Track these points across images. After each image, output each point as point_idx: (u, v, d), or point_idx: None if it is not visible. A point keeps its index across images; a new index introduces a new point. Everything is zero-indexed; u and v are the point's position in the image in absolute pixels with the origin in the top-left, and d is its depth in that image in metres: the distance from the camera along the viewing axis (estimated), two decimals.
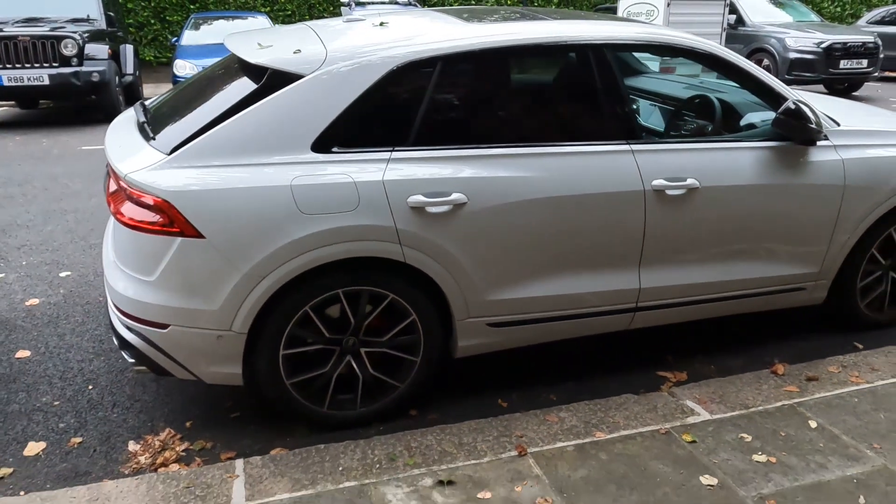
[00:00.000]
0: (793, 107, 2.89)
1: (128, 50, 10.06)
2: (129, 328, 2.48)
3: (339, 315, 2.57)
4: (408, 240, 2.47)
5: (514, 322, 2.77)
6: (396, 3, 12.35)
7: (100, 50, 8.63)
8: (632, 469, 2.31)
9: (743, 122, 3.22)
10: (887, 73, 13.45)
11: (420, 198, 2.46)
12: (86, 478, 2.42)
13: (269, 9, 14.21)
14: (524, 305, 2.74)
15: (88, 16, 9.32)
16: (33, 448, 2.57)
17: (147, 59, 13.39)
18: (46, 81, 8.19)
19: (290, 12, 14.48)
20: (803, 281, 3.21)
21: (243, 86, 2.59)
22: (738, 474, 2.28)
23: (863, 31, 11.88)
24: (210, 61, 9.17)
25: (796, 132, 2.92)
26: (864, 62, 11.09)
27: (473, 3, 14.88)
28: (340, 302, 2.52)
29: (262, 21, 10.70)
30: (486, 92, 2.82)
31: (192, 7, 13.52)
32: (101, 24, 9.38)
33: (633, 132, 2.80)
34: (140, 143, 2.55)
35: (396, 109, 2.55)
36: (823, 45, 10.91)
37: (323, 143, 2.43)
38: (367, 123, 2.50)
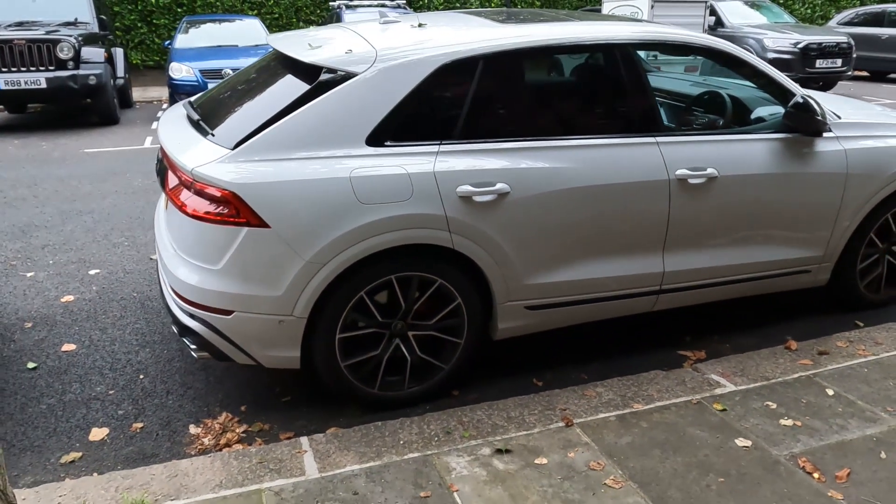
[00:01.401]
0: (801, 101, 3.12)
1: (118, 53, 10.07)
2: (191, 315, 2.61)
3: (389, 300, 2.72)
4: (456, 227, 2.63)
5: (549, 305, 2.94)
6: (384, 5, 12.47)
7: (95, 53, 8.64)
8: (671, 435, 2.50)
9: (753, 116, 3.44)
10: (858, 73, 13.95)
11: (468, 188, 2.62)
12: (153, 459, 2.53)
13: (256, 12, 14.25)
14: (559, 289, 2.91)
15: (81, 19, 9.31)
16: (97, 434, 2.68)
17: (134, 62, 13.34)
18: (43, 85, 8.19)
19: (277, 15, 14.54)
20: (809, 264, 3.44)
21: (296, 84, 2.73)
22: (768, 437, 2.48)
23: (836, 32, 12.33)
24: (207, 64, 9.26)
25: (805, 124, 3.14)
26: (839, 62, 11.52)
27: (459, 6, 15.07)
28: (392, 287, 2.68)
29: (254, 24, 10.76)
30: (525, 88, 2.99)
31: (179, 10, 13.51)
32: (94, 28, 9.37)
33: (657, 125, 2.99)
34: (198, 138, 2.67)
35: (443, 105, 2.71)
36: (800, 46, 11.31)
37: (376, 137, 2.59)
38: (417, 118, 2.65)
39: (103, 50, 8.80)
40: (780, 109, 3.29)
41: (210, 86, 9.13)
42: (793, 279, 3.47)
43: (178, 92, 9.21)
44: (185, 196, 2.54)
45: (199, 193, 2.48)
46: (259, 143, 2.50)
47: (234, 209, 2.44)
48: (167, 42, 10.57)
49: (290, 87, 2.75)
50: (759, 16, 13.27)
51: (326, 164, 2.51)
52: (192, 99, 3.18)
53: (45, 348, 3.30)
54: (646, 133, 2.95)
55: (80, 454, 2.56)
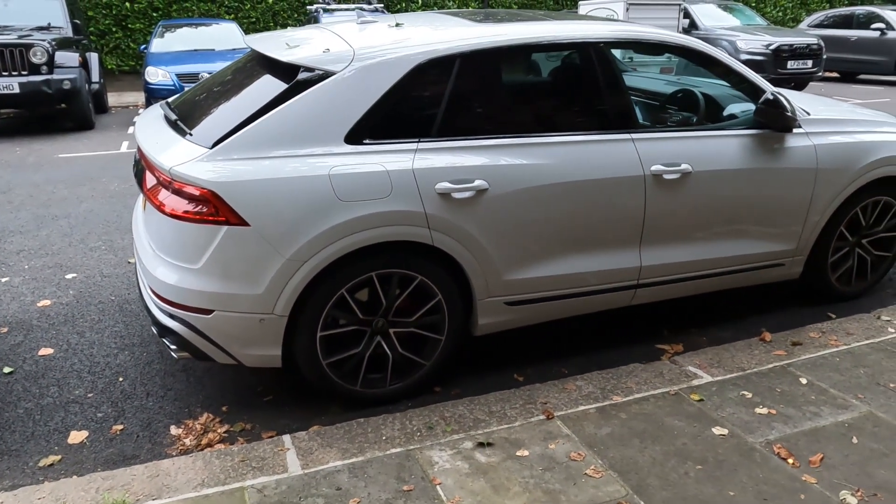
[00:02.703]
0: (771, 97, 3.19)
1: (93, 58, 9.96)
2: (171, 315, 2.60)
3: (369, 298, 2.73)
4: (435, 224, 2.66)
5: (529, 300, 2.98)
6: (362, 9, 12.48)
7: (70, 58, 8.54)
8: (650, 425, 2.54)
9: (726, 113, 3.51)
10: (828, 74, 14.24)
11: (446, 184, 2.65)
12: (134, 460, 2.52)
13: (233, 16, 14.17)
14: (538, 284, 2.95)
15: (54, 24, 9.20)
16: (76, 437, 2.65)
17: (109, 67, 13.19)
18: (17, 90, 8.07)
19: (254, 19, 14.47)
20: (782, 257, 3.52)
21: (274, 83, 2.73)
22: (744, 425, 2.53)
23: (807, 34, 12.59)
24: (183, 68, 9.20)
25: (775, 120, 3.22)
26: (809, 63, 11.77)
27: (435, 8, 15.13)
28: (372, 285, 2.69)
29: (231, 28, 10.71)
30: (502, 87, 3.03)
31: (154, 15, 13.40)
32: (68, 32, 9.26)
33: (632, 122, 3.05)
34: (176, 138, 2.67)
35: (421, 103, 2.73)
36: (772, 47, 11.53)
37: (355, 136, 2.60)
38: (395, 116, 2.67)
39: (77, 54, 8.69)
40: (751, 106, 3.37)
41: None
42: (767, 272, 3.54)
43: (154, 96, 9.12)
44: (164, 196, 2.53)
45: (178, 193, 2.48)
46: (237, 142, 2.50)
47: (212, 208, 2.44)
48: (143, 46, 10.47)
49: (267, 86, 2.76)
50: (732, 18, 13.52)
51: (305, 162, 2.52)
52: (170, 100, 3.17)
53: (21, 353, 3.26)
54: (621, 130, 3.00)
55: (59, 457, 2.53)
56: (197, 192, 2.44)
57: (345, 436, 2.50)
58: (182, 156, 2.51)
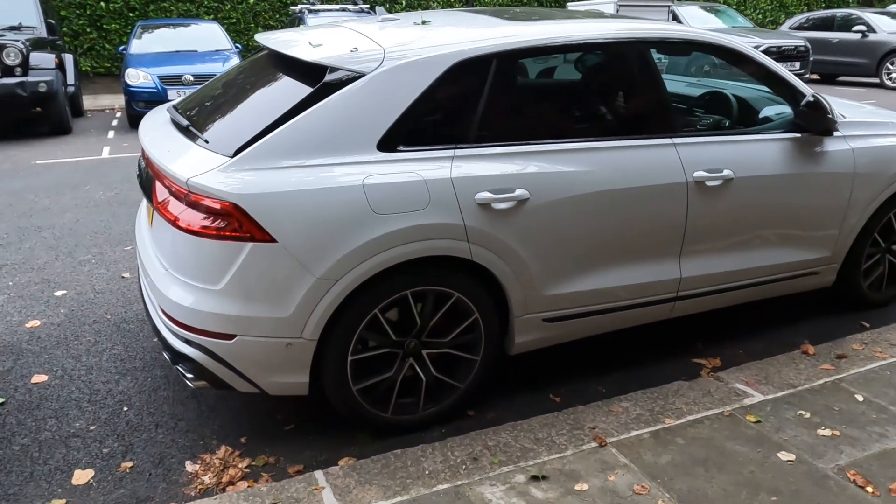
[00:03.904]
0: (812, 99, 3.06)
1: (69, 59, 9.56)
2: (187, 341, 2.36)
3: (402, 317, 2.52)
4: (475, 237, 2.46)
5: (567, 316, 2.79)
6: (347, 10, 12.23)
7: (45, 59, 8.15)
8: (711, 451, 2.37)
9: (760, 116, 3.37)
10: (810, 76, 14.36)
11: (487, 194, 2.45)
12: (148, 503, 2.27)
13: (213, 16, 13.80)
14: (578, 299, 2.77)
15: (27, 23, 8.79)
16: (81, 476, 2.39)
17: (84, 69, 12.72)
18: None
19: (234, 20, 14.11)
20: (818, 265, 3.39)
21: (296, 85, 2.51)
22: (810, 449, 2.38)
23: (793, 36, 12.66)
24: (165, 70, 8.85)
25: (817, 123, 3.08)
26: (797, 64, 11.82)
27: (420, 9, 14.95)
28: (405, 304, 2.48)
29: (213, 28, 10.37)
30: (540, 88, 2.84)
31: (131, 15, 12.96)
32: (42, 32, 8.87)
33: (673, 126, 2.88)
34: (189, 145, 2.43)
35: (456, 106, 2.53)
36: (760, 49, 11.54)
37: (388, 142, 2.39)
38: (430, 121, 2.47)
39: (54, 55, 8.31)
40: (784, 109, 3.23)
41: (170, 93, 8.74)
42: (802, 281, 3.40)
43: (135, 99, 8.78)
44: (178, 209, 2.30)
45: (195, 206, 2.24)
46: (261, 150, 2.27)
47: (235, 222, 2.21)
48: (121, 47, 10.09)
49: (289, 88, 2.53)
50: (717, 20, 13.55)
51: (336, 171, 2.31)
52: (176, 103, 2.93)
53: (11, 381, 2.98)
54: (663, 134, 2.84)
55: (63, 501, 2.27)
56: (217, 206, 2.21)
57: (383, 470, 2.29)
58: (199, 165, 2.27)
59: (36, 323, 3.49)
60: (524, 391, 2.96)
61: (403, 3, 14.69)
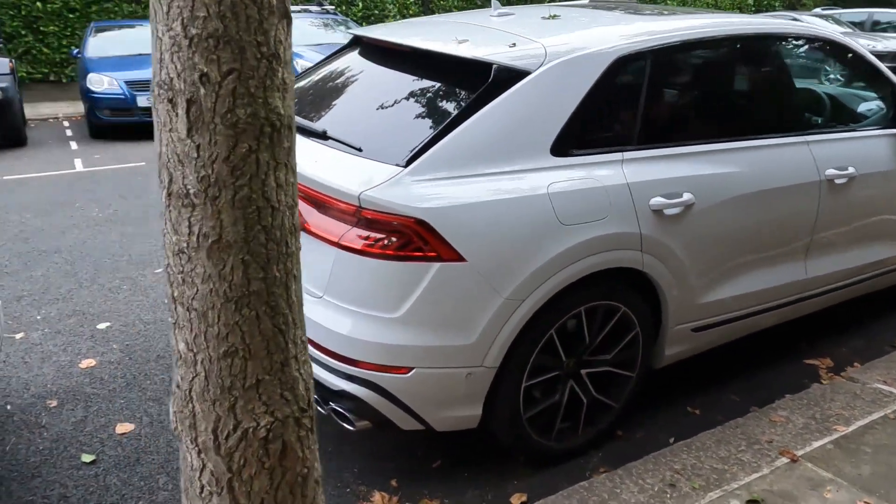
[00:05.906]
0: None
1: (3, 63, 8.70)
2: (349, 377, 2.07)
3: (569, 337, 2.32)
4: (648, 246, 2.29)
5: (714, 324, 2.66)
6: (308, 10, 11.76)
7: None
8: None
9: (859, 112, 3.35)
10: None
11: (660, 199, 2.29)
12: None
13: None
14: (726, 306, 2.64)
15: None
16: None
17: (20, 75, 11.66)
18: None
19: None
20: None
21: (448, 84, 2.27)
22: None
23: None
24: (133, 74, 8.16)
25: None
26: None
27: (376, 11, 14.63)
28: (577, 321, 2.28)
29: None
30: (695, 86, 2.68)
31: (71, 17, 11.99)
32: None
33: (804, 124, 2.81)
34: (339, 154, 2.14)
35: (619, 106, 2.35)
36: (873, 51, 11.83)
37: (561, 146, 2.18)
38: (597, 122, 2.28)
39: (8, 60, 7.54)
40: (874, 105, 3.24)
41: (138, 99, 8.11)
42: None
43: (98, 107, 8.09)
44: (341, 227, 2.01)
45: (369, 224, 1.96)
46: (436, 158, 2.02)
47: (419, 241, 1.95)
48: (75, 51, 9.31)
49: (440, 88, 2.28)
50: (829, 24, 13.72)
51: (517, 179, 2.08)
52: None
53: (92, 433, 2.57)
54: (798, 132, 2.76)
55: None
56: (395, 222, 1.94)
57: None
58: (368, 177, 1.99)
59: (91, 362, 3.05)
60: (655, 404, 2.81)
61: (360, 4, 14.32)
